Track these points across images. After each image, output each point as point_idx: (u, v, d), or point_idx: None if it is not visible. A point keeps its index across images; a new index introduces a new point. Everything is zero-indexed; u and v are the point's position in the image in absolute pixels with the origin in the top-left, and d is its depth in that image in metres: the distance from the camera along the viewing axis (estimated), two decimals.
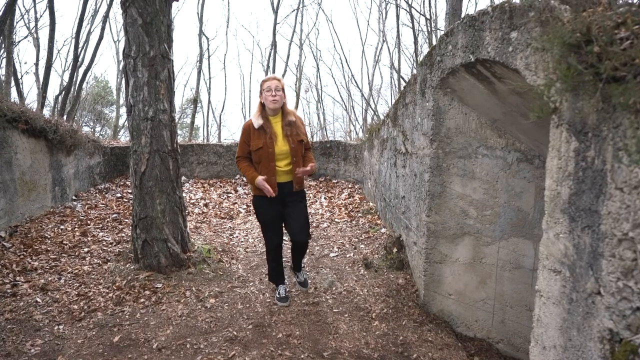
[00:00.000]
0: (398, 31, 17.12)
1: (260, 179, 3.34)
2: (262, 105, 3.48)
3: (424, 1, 27.45)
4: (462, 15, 5.56)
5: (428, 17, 14.78)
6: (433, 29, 14.98)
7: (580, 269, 1.66)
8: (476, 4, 19.41)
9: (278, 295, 3.81)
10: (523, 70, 2.03)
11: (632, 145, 1.30)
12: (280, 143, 3.44)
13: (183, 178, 8.75)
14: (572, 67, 1.51)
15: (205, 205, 7.44)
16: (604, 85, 1.40)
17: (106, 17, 12.98)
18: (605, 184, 1.49)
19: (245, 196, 8.21)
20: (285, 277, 4.01)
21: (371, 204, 7.00)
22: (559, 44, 1.57)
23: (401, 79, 17.24)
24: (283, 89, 3.46)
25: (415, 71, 4.16)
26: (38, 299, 3.70)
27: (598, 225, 1.54)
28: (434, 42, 3.39)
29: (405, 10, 14.89)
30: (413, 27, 14.29)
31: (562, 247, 1.79)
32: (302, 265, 4.13)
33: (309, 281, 4.19)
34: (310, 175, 3.37)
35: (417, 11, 14.99)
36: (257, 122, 3.42)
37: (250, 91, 52.00)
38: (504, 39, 2.23)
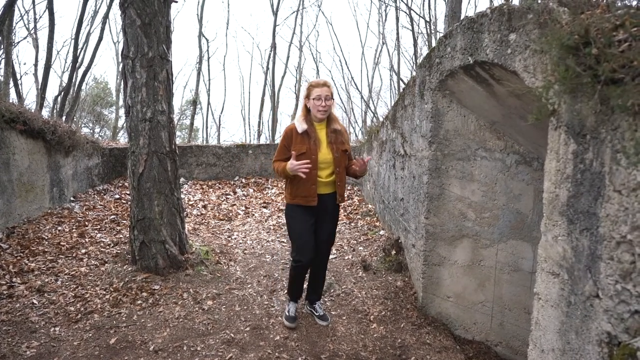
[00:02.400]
0: (397, 33, 17.15)
1: (293, 161, 3.04)
2: (307, 109, 3.24)
3: (423, 3, 27.52)
4: (462, 18, 5.56)
5: (427, 19, 14.81)
6: (432, 32, 15.01)
7: (579, 271, 1.65)
8: (475, 6, 19.45)
9: (287, 314, 3.52)
10: (522, 72, 2.03)
11: (630, 147, 1.30)
12: (324, 151, 3.21)
13: (182, 179, 8.74)
14: (570, 69, 1.51)
15: (204, 206, 7.42)
16: (602, 87, 1.40)
17: (106, 18, 12.99)
18: (603, 186, 1.49)
19: (244, 198, 8.20)
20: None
21: (370, 206, 6.99)
22: (557, 46, 1.56)
23: (401, 81, 17.25)
24: (332, 95, 3.21)
25: (414, 73, 4.16)
26: (34, 301, 3.68)
27: (596, 227, 1.53)
28: (434, 45, 3.38)
29: (405, 12, 14.93)
30: (412, 30, 14.31)
31: (561, 249, 1.79)
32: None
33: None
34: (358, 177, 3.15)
35: (417, 13, 15.03)
36: (301, 126, 3.17)
37: (249, 93, 52.10)
38: (502, 41, 2.22)
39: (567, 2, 1.77)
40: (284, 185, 4.15)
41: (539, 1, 1.98)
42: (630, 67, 1.29)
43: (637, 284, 1.34)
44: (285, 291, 3.81)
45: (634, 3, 1.46)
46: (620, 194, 1.40)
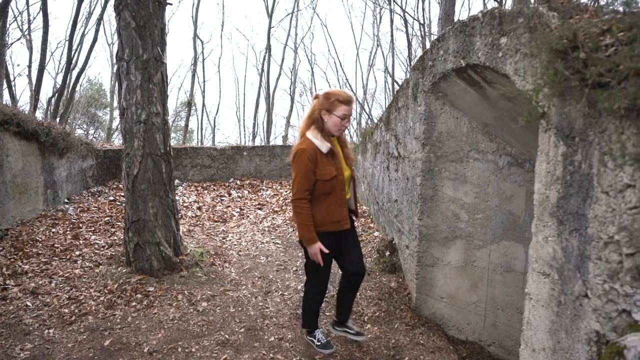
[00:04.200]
0: (392, 36, 17.22)
1: (318, 246, 2.75)
2: (319, 123, 2.80)
3: (417, 6, 27.67)
4: (455, 21, 5.61)
5: (422, 22, 14.88)
6: (427, 34, 15.08)
7: (569, 271, 1.68)
8: (469, 9, 19.55)
9: (322, 342, 3.13)
10: (512, 75, 2.06)
11: (617, 149, 1.33)
12: (343, 168, 2.89)
13: (176, 181, 8.73)
14: (559, 73, 1.53)
15: (199, 208, 7.42)
16: (590, 90, 1.43)
17: (100, 19, 12.95)
18: (592, 187, 1.51)
19: (238, 199, 8.20)
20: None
21: (364, 207, 7.02)
22: (546, 49, 1.59)
23: (395, 83, 17.32)
24: None
25: (408, 75, 4.19)
26: (28, 303, 3.67)
27: (585, 228, 1.56)
28: (428, 47, 3.40)
29: (399, 15, 14.99)
30: (407, 32, 14.37)
31: (551, 250, 1.81)
32: None
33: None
34: None
35: (411, 16, 15.10)
36: (324, 145, 2.74)
37: (244, 94, 52.04)
38: (494, 45, 2.25)
39: (557, 7, 1.80)
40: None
41: (530, 5, 2.02)
42: (617, 71, 1.31)
43: (625, 283, 1.37)
44: (301, 322, 3.29)
45: (621, 9, 1.49)
46: (607, 195, 1.43)
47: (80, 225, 5.84)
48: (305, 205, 2.73)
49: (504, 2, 8.95)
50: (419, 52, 16.10)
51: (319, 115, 2.79)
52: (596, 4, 1.86)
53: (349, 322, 3.27)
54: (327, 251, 2.78)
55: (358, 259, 3.03)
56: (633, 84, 1.26)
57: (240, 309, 3.75)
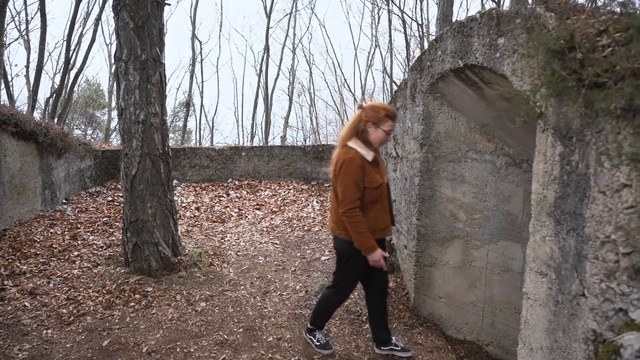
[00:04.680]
0: (390, 36, 17.24)
1: (380, 252, 2.76)
2: (364, 134, 2.81)
3: (415, 6, 27.71)
4: (453, 21, 5.62)
5: (420, 22, 14.91)
6: (425, 34, 15.10)
7: (566, 271, 1.69)
8: (467, 9, 19.60)
9: (321, 342, 3.15)
10: (510, 75, 2.07)
11: (614, 149, 1.33)
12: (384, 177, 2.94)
13: (175, 181, 8.72)
14: (556, 73, 1.54)
15: (197, 208, 7.41)
16: (587, 91, 1.44)
17: (98, 19, 12.94)
18: (588, 187, 1.52)
19: (237, 200, 8.20)
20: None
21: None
22: (543, 50, 1.60)
23: (393, 84, 17.33)
24: None
25: (406, 76, 4.20)
26: (26, 303, 3.67)
27: (582, 228, 1.57)
28: (426, 47, 3.40)
29: (397, 15, 15.01)
30: (405, 32, 14.39)
31: (548, 249, 1.82)
32: None
33: None
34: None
35: (409, 16, 15.12)
36: (369, 154, 2.76)
37: (243, 95, 52.00)
38: (491, 45, 2.26)
39: (554, 8, 1.81)
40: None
41: (527, 6, 2.03)
42: (613, 72, 1.32)
43: (621, 282, 1.38)
44: (310, 321, 3.25)
45: (618, 9, 1.50)
46: (604, 194, 1.44)
47: (79, 225, 5.83)
48: (360, 213, 2.72)
49: (501, 2, 8.98)
50: (417, 53, 16.13)
51: (364, 127, 2.79)
52: (593, 5, 1.87)
53: (393, 339, 3.17)
54: (387, 255, 2.80)
55: (386, 280, 3.07)
56: (629, 84, 1.27)
57: (238, 309, 3.75)
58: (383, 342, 3.15)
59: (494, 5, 9.61)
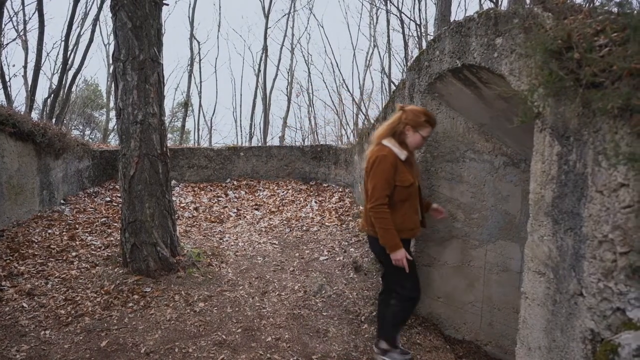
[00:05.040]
0: (388, 36, 17.27)
1: (404, 251, 2.75)
2: (401, 136, 2.86)
3: (414, 6, 27.69)
4: (451, 21, 5.62)
5: (418, 22, 14.91)
6: (423, 34, 15.11)
7: (564, 270, 1.69)
8: (465, 10, 19.62)
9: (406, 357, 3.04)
10: (508, 75, 2.07)
11: (611, 149, 1.34)
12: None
13: (173, 182, 8.71)
14: (553, 73, 1.55)
15: (195, 209, 7.41)
16: (584, 90, 1.44)
17: (96, 20, 12.94)
18: (586, 187, 1.53)
19: (235, 200, 8.19)
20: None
21: (361, 207, 7.03)
22: (541, 50, 1.60)
23: (392, 84, 17.34)
24: None
25: (405, 76, 4.20)
26: (24, 304, 3.66)
27: (580, 227, 1.57)
28: (424, 47, 3.41)
29: (396, 15, 15.02)
30: (403, 33, 14.40)
31: (546, 249, 1.83)
32: None
33: None
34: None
35: (407, 16, 15.12)
36: (403, 153, 2.81)
37: (241, 95, 51.98)
38: (489, 45, 2.27)
39: (552, 8, 1.82)
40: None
41: (525, 6, 2.03)
42: (610, 72, 1.33)
43: (619, 282, 1.38)
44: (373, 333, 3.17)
45: (615, 9, 1.50)
46: (602, 194, 1.44)
47: (77, 226, 5.82)
48: (387, 210, 2.74)
49: (499, 3, 8.99)
50: (416, 53, 16.13)
51: (403, 129, 2.84)
52: (590, 5, 1.88)
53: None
54: (410, 258, 2.79)
55: (417, 282, 2.99)
56: (626, 84, 1.27)
57: (237, 309, 3.75)
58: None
59: (492, 5, 9.62)
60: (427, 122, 2.84)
